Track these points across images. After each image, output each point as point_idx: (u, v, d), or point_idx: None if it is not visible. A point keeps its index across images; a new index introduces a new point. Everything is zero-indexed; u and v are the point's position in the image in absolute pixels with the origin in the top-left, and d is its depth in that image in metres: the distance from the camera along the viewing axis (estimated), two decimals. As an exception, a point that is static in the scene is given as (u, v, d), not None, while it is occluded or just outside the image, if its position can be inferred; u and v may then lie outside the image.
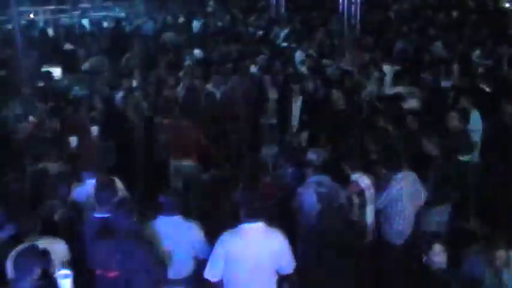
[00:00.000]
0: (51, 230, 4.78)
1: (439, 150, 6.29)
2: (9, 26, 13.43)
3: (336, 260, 5.05)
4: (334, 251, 5.03)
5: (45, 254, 4.21)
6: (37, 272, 4.08)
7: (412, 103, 8.15)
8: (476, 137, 7.43)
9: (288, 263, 4.59)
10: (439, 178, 6.12)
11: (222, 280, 4.55)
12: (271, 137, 8.71)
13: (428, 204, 6.04)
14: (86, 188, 5.68)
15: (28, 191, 5.70)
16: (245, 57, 11.62)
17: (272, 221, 4.83)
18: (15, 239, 4.71)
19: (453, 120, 7.01)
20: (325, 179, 5.64)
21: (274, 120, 9.23)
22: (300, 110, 8.67)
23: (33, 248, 4.25)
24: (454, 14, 16.71)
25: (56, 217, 5.14)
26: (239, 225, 4.54)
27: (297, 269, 4.67)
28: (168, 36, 14.44)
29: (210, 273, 4.54)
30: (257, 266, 4.46)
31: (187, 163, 7.65)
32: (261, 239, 4.50)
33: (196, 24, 16.27)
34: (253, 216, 4.51)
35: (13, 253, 4.38)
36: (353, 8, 13.79)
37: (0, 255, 4.59)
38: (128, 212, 4.51)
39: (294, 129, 8.61)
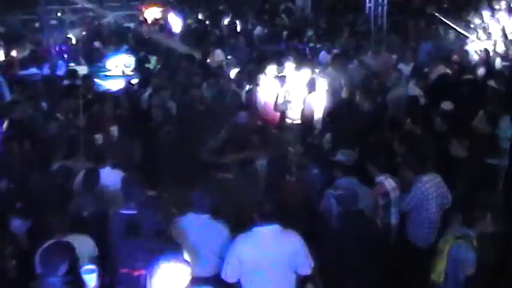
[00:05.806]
0: (80, 227, 4.82)
1: (467, 152, 6.19)
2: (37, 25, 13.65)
3: (357, 261, 5.01)
4: (355, 252, 5.00)
5: (71, 249, 4.24)
6: (64, 267, 4.11)
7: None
8: (507, 143, 7.28)
9: (305, 263, 4.58)
10: (465, 181, 6.04)
11: (239, 281, 4.58)
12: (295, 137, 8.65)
13: (455, 207, 5.96)
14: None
15: (56, 188, 5.74)
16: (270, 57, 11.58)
17: (295, 220, 4.83)
18: (44, 236, 4.76)
19: (481, 122, 6.90)
20: (353, 180, 5.60)
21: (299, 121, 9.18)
22: (323, 111, 8.61)
23: (59, 244, 4.28)
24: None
25: (85, 214, 5.19)
26: (253, 228, 4.58)
27: (319, 270, 4.65)
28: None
29: (226, 274, 4.58)
30: (272, 268, 4.49)
31: None
32: (275, 242, 4.53)
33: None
34: (266, 220, 4.54)
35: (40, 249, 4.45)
36: (380, 9, 13.69)
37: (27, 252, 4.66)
38: (155, 211, 4.53)
39: (316, 130, 8.56)
